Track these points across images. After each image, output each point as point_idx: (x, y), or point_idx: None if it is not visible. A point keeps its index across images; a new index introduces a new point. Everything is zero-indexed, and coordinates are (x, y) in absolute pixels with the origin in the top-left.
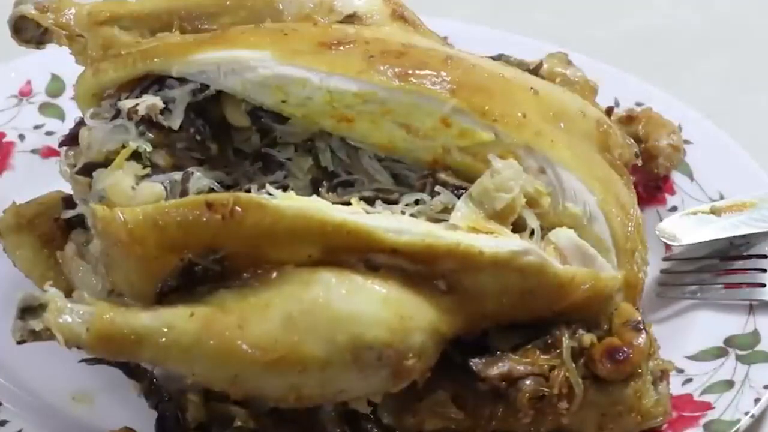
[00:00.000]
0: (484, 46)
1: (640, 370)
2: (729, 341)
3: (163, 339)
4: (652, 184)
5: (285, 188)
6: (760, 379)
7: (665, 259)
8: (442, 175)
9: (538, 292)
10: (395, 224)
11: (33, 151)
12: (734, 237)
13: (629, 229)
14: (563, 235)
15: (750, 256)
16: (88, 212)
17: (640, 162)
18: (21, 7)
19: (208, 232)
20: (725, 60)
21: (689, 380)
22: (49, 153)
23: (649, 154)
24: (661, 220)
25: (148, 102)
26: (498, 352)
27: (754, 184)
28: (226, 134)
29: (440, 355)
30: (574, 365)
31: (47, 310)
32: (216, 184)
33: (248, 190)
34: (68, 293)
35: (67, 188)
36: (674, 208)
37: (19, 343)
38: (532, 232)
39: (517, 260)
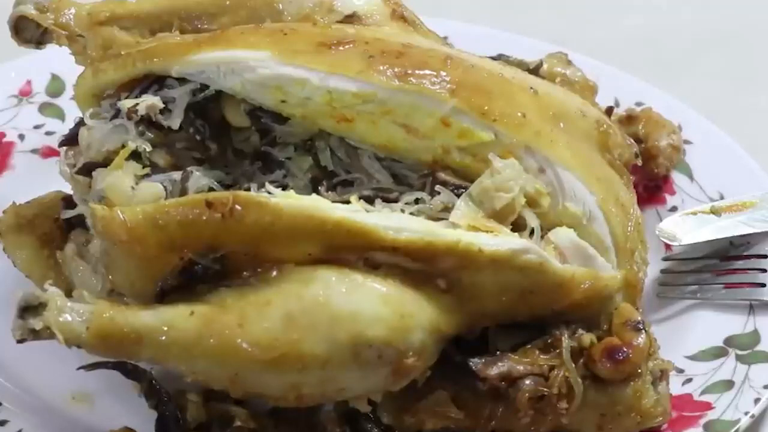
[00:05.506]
0: (484, 46)
1: (639, 370)
2: (729, 341)
3: (164, 337)
4: (652, 184)
5: (284, 187)
6: (760, 379)
7: (665, 259)
8: (442, 175)
9: (537, 291)
10: (395, 222)
11: (33, 151)
12: (734, 237)
13: (629, 228)
14: (563, 234)
15: (750, 256)
16: (88, 212)
17: (640, 162)
18: (21, 7)
19: (208, 231)
20: (725, 60)
21: (689, 380)
22: (49, 153)
23: (649, 154)
24: (661, 220)
25: (148, 102)
26: (498, 352)
27: (754, 184)
28: (226, 134)
29: (440, 355)
30: (573, 365)
31: (47, 309)
32: (215, 183)
33: (248, 189)
34: (68, 293)
35: (67, 188)
36: (674, 208)
37: (19, 341)
38: (532, 232)
39: (516, 258)
